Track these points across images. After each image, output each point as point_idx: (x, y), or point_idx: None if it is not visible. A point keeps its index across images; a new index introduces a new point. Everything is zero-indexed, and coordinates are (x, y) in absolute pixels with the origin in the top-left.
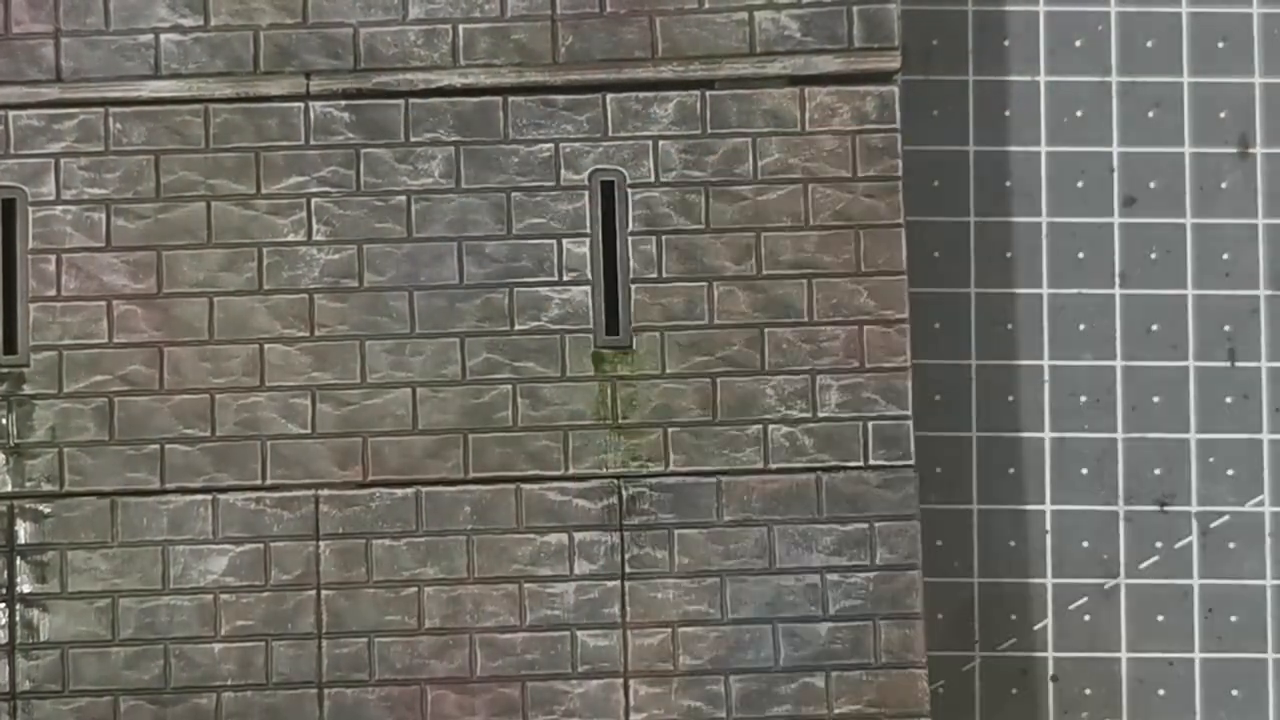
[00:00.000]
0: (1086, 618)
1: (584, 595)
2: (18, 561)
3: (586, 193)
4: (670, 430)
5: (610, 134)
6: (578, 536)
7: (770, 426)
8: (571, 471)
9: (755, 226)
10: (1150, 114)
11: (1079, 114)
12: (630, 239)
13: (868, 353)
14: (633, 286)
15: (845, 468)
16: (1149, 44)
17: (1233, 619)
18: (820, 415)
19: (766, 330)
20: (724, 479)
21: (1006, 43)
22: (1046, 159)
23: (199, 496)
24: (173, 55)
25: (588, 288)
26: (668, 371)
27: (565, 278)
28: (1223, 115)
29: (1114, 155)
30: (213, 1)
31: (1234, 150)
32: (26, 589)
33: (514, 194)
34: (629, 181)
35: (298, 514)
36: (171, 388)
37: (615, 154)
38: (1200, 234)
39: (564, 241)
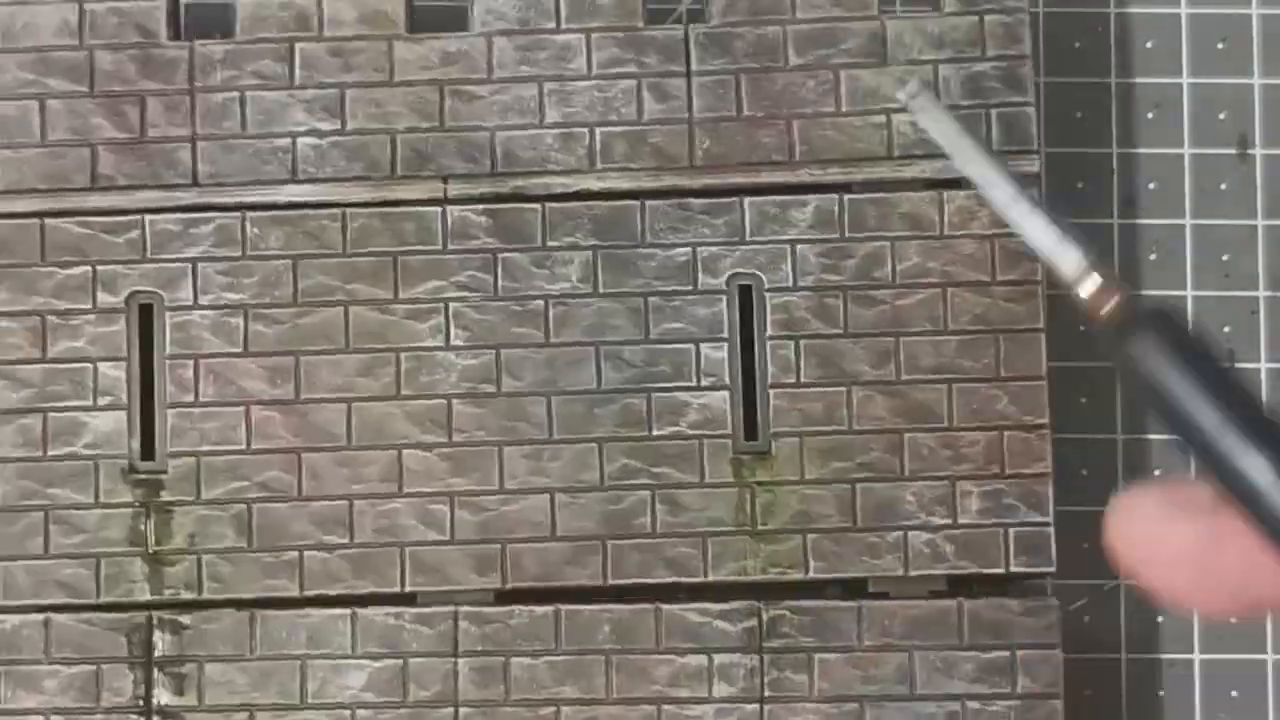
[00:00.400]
0: (1086, 618)
1: (723, 718)
2: (155, 673)
3: (724, 297)
4: (810, 536)
5: (748, 238)
6: (717, 659)
7: (910, 533)
8: (711, 579)
9: (894, 331)
10: (1149, 115)
11: (1078, 115)
12: (768, 343)
13: (1008, 459)
14: (771, 391)
15: (984, 580)
16: (1148, 45)
17: (1232, 620)
18: (961, 521)
19: (906, 435)
20: (865, 604)
21: None
22: (1046, 160)
23: (338, 610)
24: (309, 159)
25: (726, 393)
26: (807, 477)
27: (703, 383)
28: (1222, 116)
29: (1113, 156)
30: (350, 105)
31: (1233, 151)
32: (164, 700)
33: (651, 298)
34: (767, 286)
35: (437, 630)
36: (310, 494)
37: (753, 258)
38: (1199, 235)
39: (702, 346)
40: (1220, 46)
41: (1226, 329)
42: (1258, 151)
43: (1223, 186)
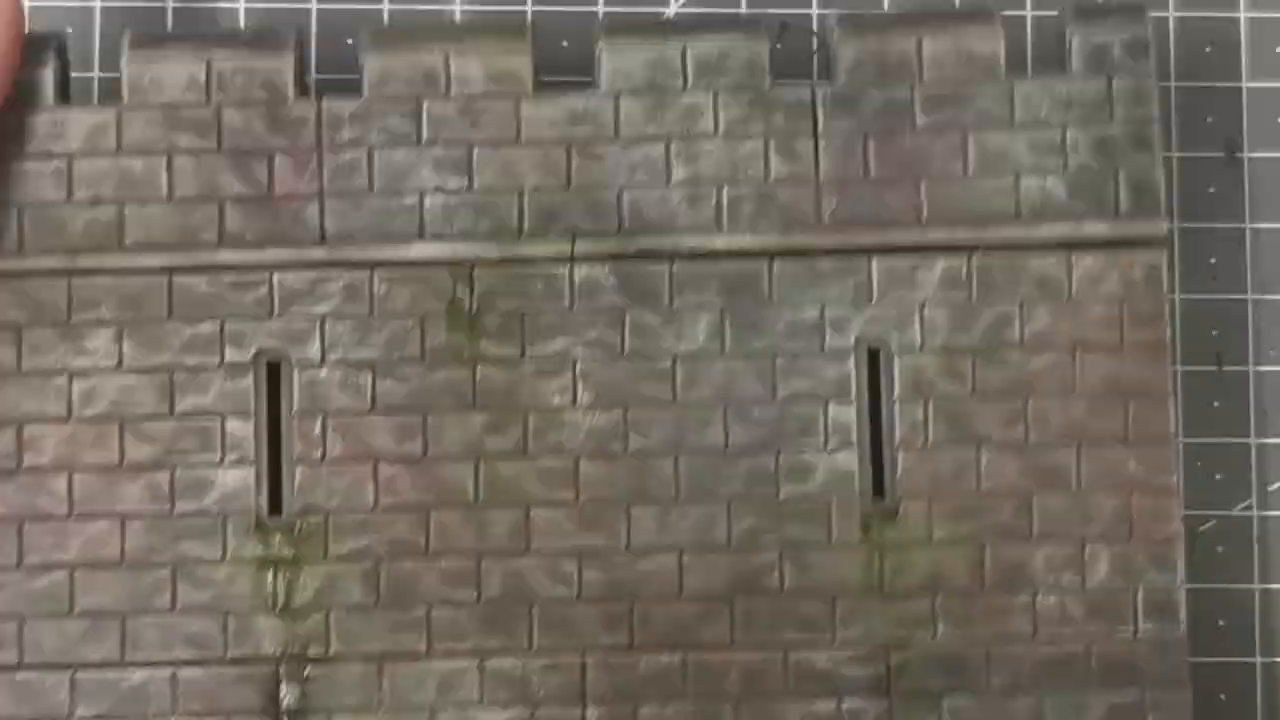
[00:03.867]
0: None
1: None
2: None
3: (852, 357)
4: (939, 598)
5: (876, 298)
6: (846, 703)
7: (1039, 595)
8: (839, 638)
9: (1023, 392)
10: None
11: None
12: (896, 404)
13: (1137, 521)
14: (899, 452)
15: (1115, 637)
16: None
17: (1220, 623)
18: (1090, 584)
19: (1035, 497)
20: (993, 648)
21: None
22: None
23: (466, 661)
24: (437, 217)
25: (854, 453)
26: (935, 538)
27: (831, 443)
28: (1210, 120)
29: None
30: (477, 163)
31: (1221, 155)
32: None
33: (779, 358)
34: (895, 347)
35: (565, 679)
36: (438, 550)
37: (881, 318)
38: (1187, 238)
39: (830, 406)
40: (1207, 51)
41: (1215, 333)
42: (1245, 155)
43: (1210, 190)
